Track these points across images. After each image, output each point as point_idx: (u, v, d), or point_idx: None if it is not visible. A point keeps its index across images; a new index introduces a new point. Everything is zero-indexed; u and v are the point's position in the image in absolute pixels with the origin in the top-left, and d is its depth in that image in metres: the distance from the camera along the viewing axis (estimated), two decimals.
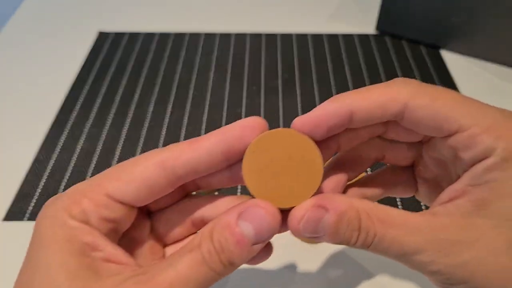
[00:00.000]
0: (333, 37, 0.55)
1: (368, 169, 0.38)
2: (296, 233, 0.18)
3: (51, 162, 0.40)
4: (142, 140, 0.42)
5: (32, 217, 0.35)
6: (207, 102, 0.46)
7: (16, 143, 0.42)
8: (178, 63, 0.51)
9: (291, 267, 0.32)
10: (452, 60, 0.51)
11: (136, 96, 0.47)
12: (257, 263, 0.21)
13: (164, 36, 0.55)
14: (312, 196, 0.19)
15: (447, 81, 0.48)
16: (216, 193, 0.23)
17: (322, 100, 0.45)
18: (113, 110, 0.45)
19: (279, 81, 0.49)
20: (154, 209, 0.22)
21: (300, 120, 0.19)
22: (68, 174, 0.39)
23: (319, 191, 0.21)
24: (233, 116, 0.44)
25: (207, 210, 0.21)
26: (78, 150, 0.41)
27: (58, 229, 0.17)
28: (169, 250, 0.22)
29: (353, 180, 0.24)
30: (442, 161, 0.21)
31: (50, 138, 0.42)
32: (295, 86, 0.48)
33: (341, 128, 0.19)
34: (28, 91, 0.48)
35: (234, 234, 0.17)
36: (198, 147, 0.19)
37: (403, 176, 0.24)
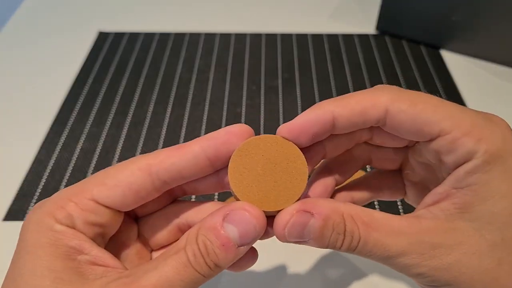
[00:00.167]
0: (333, 37, 0.55)
1: (368, 168, 0.38)
2: (282, 238, 0.18)
3: (51, 162, 0.40)
4: (142, 140, 0.42)
5: None
6: (207, 102, 0.46)
7: (16, 143, 0.42)
8: (178, 63, 0.51)
9: (283, 268, 0.32)
10: (452, 60, 0.51)
11: (136, 96, 0.47)
12: (243, 269, 0.21)
13: (164, 36, 0.55)
14: (297, 200, 0.19)
15: (447, 81, 0.48)
16: None
17: (322, 100, 0.45)
18: (113, 110, 0.45)
19: (279, 81, 0.49)
20: (141, 214, 0.22)
21: (285, 128, 0.19)
22: (68, 173, 0.39)
23: (306, 196, 0.21)
24: (233, 116, 0.44)
25: (193, 215, 0.21)
26: (78, 149, 0.41)
27: (43, 233, 0.17)
28: (156, 255, 0.22)
29: (349, 180, 0.24)
30: (428, 164, 0.21)
31: (50, 138, 0.42)
32: (295, 86, 0.48)
33: (325, 135, 0.20)
34: (28, 91, 0.48)
35: (219, 236, 0.17)
36: (183, 152, 0.19)
37: (391, 180, 0.24)
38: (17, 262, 0.17)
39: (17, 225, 0.35)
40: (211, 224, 0.18)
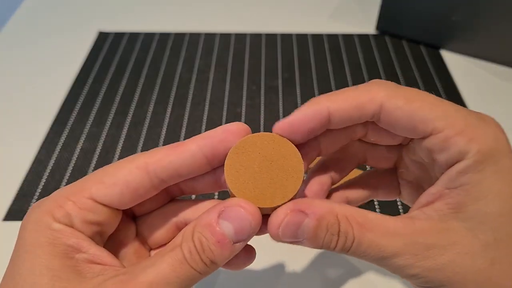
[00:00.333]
0: (333, 37, 0.55)
1: (368, 168, 0.38)
2: (276, 238, 0.18)
3: (51, 162, 0.40)
4: (142, 140, 0.42)
5: None
6: (207, 102, 0.46)
7: (16, 143, 0.42)
8: (178, 63, 0.51)
9: (281, 267, 0.32)
10: (452, 60, 0.51)
11: (136, 96, 0.47)
12: (241, 268, 0.21)
13: (164, 36, 0.55)
14: (293, 197, 0.19)
15: (447, 81, 0.48)
16: None
17: None
18: (113, 110, 0.45)
19: (279, 81, 0.49)
20: (139, 213, 0.22)
21: (281, 124, 0.19)
22: (68, 173, 0.39)
23: (302, 194, 0.21)
24: (233, 116, 0.44)
25: (191, 214, 0.22)
26: (78, 149, 0.41)
27: (42, 232, 0.17)
28: (154, 253, 0.22)
29: (346, 178, 0.24)
30: (422, 163, 0.21)
31: (50, 138, 0.42)
32: (295, 86, 0.48)
33: (321, 130, 0.20)
34: (28, 91, 0.48)
35: (214, 233, 0.17)
36: (181, 151, 0.19)
37: (386, 179, 0.24)
38: (15, 261, 0.17)
39: (17, 225, 0.34)
40: (206, 221, 0.18)
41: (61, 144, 0.41)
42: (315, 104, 0.19)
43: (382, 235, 0.18)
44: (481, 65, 0.50)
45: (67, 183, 0.38)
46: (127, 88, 0.48)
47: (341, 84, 0.48)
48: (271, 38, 0.55)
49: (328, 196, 0.23)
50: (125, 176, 0.19)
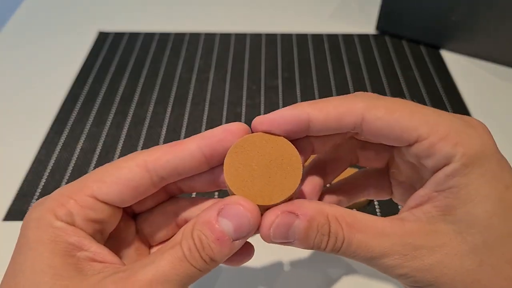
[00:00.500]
0: (333, 37, 0.55)
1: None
2: (267, 239, 0.19)
3: (51, 161, 0.40)
4: (142, 140, 0.42)
5: None
6: (207, 102, 0.46)
7: (16, 143, 0.42)
8: (178, 63, 0.51)
9: (280, 264, 0.32)
10: (452, 60, 0.51)
11: (136, 96, 0.47)
12: (239, 264, 0.21)
13: (164, 36, 0.55)
14: (292, 194, 0.19)
15: (447, 81, 0.48)
16: None
17: None
18: (113, 110, 0.45)
19: (279, 81, 0.49)
20: (138, 211, 0.22)
21: (258, 120, 0.20)
22: (68, 173, 0.39)
23: (299, 191, 0.21)
24: (233, 116, 0.44)
25: (191, 212, 0.22)
26: (78, 149, 0.41)
27: (43, 230, 0.18)
28: (154, 251, 0.22)
29: (339, 177, 0.24)
30: (413, 163, 0.21)
31: (50, 138, 0.42)
32: (295, 85, 0.48)
33: (299, 134, 0.20)
34: (28, 91, 0.48)
35: (214, 230, 0.17)
36: (180, 149, 0.19)
37: (378, 179, 0.24)
38: (17, 258, 0.17)
39: (17, 225, 0.34)
40: (206, 218, 0.18)
41: (61, 144, 0.41)
42: (296, 108, 0.19)
43: (371, 235, 0.18)
44: (481, 65, 0.50)
45: (67, 183, 0.38)
46: (127, 88, 0.48)
47: (341, 84, 0.48)
48: (271, 38, 0.55)
49: (320, 195, 0.23)
50: (126, 174, 0.19)
